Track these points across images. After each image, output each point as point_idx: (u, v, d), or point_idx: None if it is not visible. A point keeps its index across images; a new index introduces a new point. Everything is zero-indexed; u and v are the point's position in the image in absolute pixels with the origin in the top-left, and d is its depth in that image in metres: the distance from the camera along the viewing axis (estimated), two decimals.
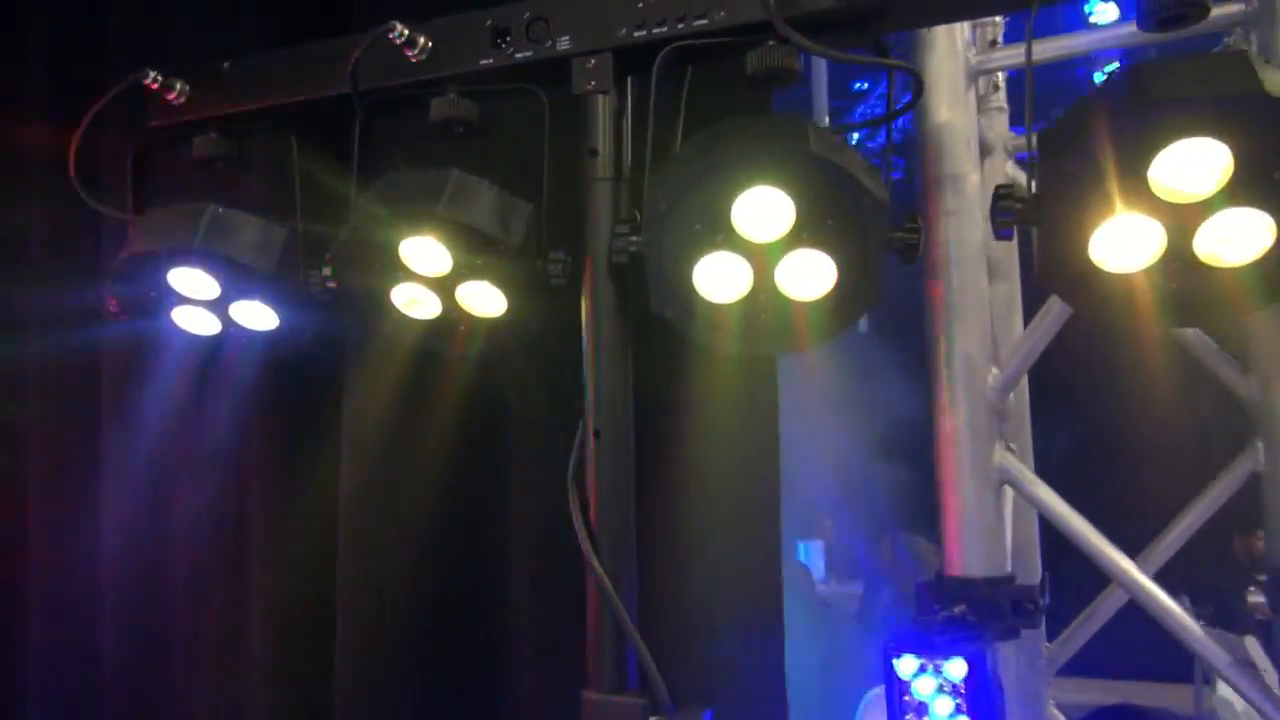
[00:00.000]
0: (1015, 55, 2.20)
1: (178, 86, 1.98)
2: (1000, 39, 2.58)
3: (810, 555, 7.81)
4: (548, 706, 1.99)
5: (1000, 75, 2.57)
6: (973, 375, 1.97)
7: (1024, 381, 2.53)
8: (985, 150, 2.45)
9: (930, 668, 1.63)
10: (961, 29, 2.08)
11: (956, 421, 1.97)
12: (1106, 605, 2.32)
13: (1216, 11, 1.98)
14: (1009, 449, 2.45)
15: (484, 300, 1.81)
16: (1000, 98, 2.59)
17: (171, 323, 2.01)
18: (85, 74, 2.77)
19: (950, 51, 2.05)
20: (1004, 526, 2.00)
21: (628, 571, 1.63)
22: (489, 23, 1.76)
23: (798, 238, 1.53)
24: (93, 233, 2.66)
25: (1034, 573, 2.44)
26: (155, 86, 1.96)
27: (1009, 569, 1.97)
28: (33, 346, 2.73)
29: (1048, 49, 2.22)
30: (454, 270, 1.76)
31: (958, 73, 2.05)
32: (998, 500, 1.99)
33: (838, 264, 1.54)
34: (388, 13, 1.82)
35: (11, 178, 2.82)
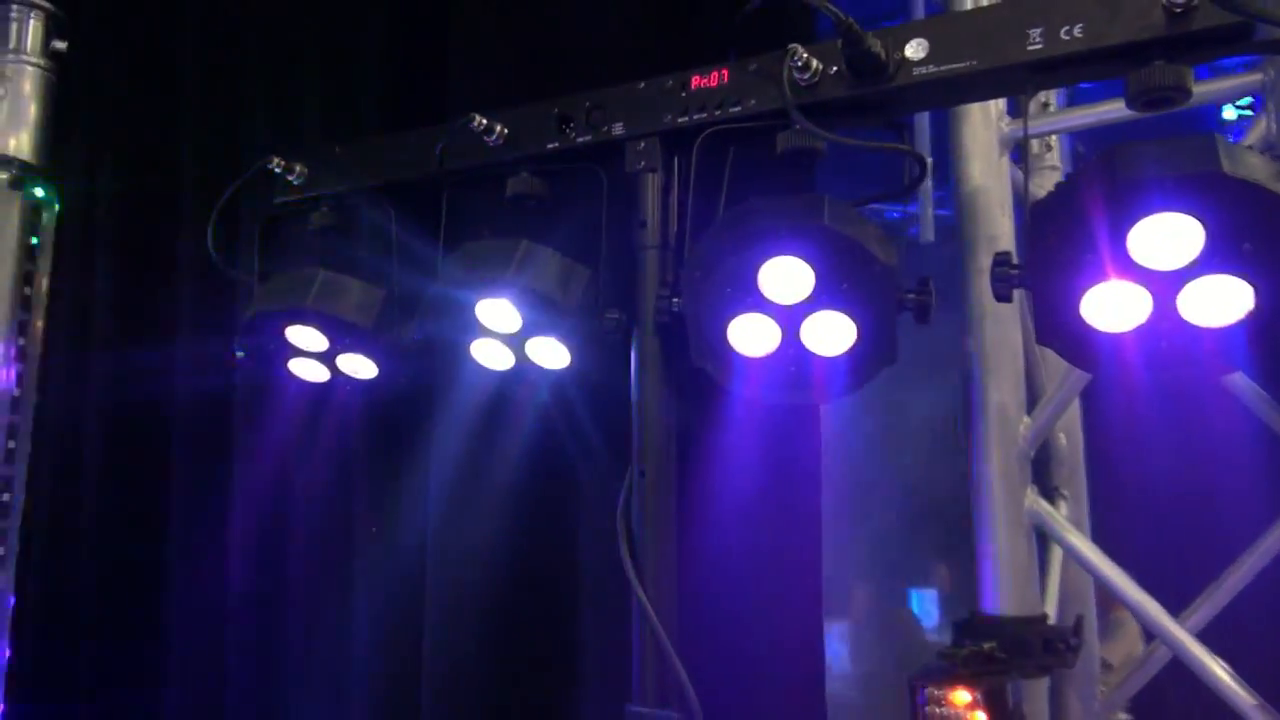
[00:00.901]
0: (1053, 123, 2.32)
1: (297, 169, 2.30)
2: (1055, 102, 2.70)
3: (923, 604, 7.69)
4: (605, 716, 2.18)
5: (1053, 137, 2.68)
6: (1005, 425, 2.08)
7: (1078, 429, 2.59)
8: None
9: (944, 699, 1.75)
10: (996, 100, 2.22)
11: (989, 469, 2.08)
12: (1155, 658, 2.34)
13: (1235, 80, 2.07)
14: (1062, 496, 2.54)
15: (550, 354, 2.05)
16: (1054, 157, 2.69)
17: (288, 371, 2.32)
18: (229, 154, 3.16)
19: (984, 122, 2.19)
20: (1035, 569, 2.08)
21: (669, 597, 1.82)
22: (555, 111, 2.01)
23: (818, 300, 1.71)
24: (231, 295, 3.03)
25: (1088, 613, 2.49)
26: (278, 169, 2.29)
27: (1043, 609, 2.06)
28: (178, 390, 3.13)
29: (1087, 116, 2.32)
30: (523, 327, 2.01)
31: (991, 141, 2.18)
32: (1030, 544, 2.09)
33: (856, 323, 1.71)
34: (475, 103, 2.10)
35: (169, 252, 3.23)
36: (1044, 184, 2.68)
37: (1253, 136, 2.09)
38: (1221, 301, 1.45)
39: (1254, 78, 2.03)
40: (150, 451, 3.15)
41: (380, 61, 2.92)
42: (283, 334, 2.23)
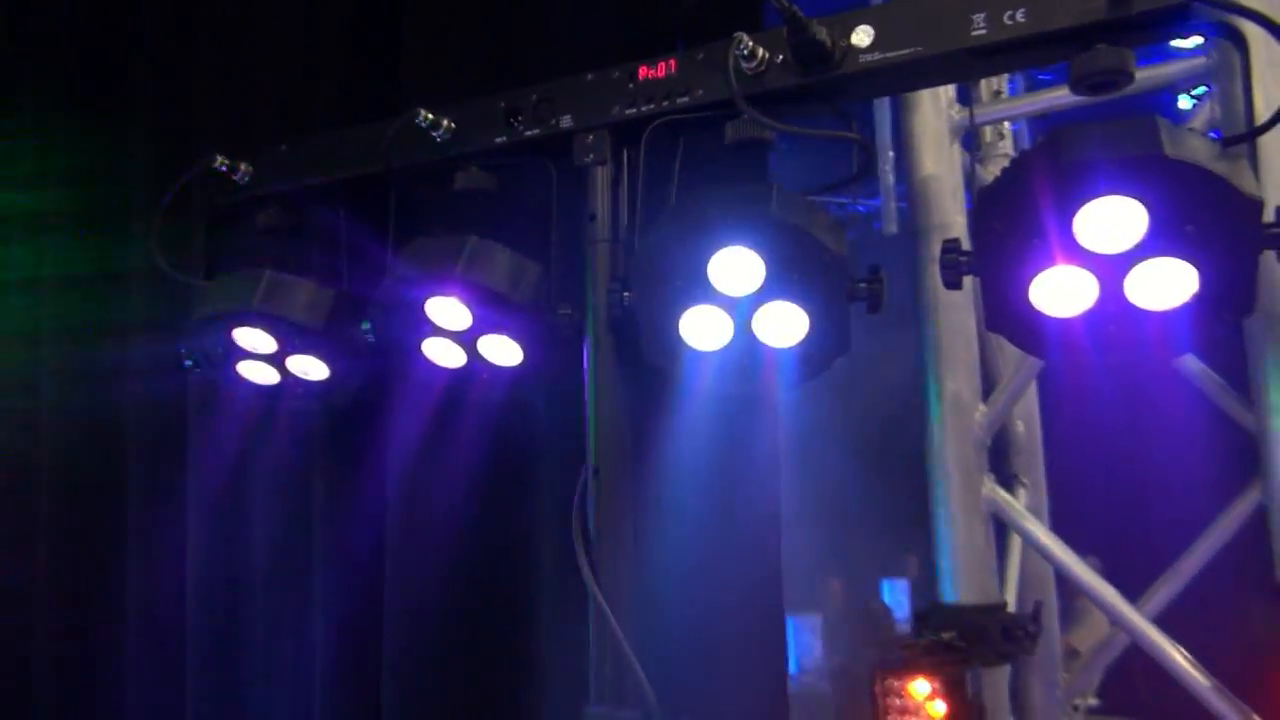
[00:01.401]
0: (1002, 110, 2.32)
1: (242, 168, 2.26)
2: (1005, 89, 2.71)
3: (895, 594, 7.73)
4: (564, 716, 2.16)
5: (1006, 124, 2.69)
6: (960, 413, 2.08)
7: (1035, 417, 2.61)
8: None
9: (902, 689, 1.74)
10: (946, 89, 2.22)
11: (945, 458, 2.08)
12: (1114, 644, 2.35)
13: (1182, 65, 2.08)
14: (1022, 483, 2.55)
15: (502, 351, 2.02)
16: (1007, 145, 2.70)
17: (237, 374, 2.27)
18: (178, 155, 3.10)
19: (934, 110, 2.19)
20: (993, 557, 2.09)
21: (626, 594, 1.79)
22: (502, 105, 1.98)
23: (769, 291, 1.69)
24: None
25: (1048, 600, 2.50)
26: (223, 168, 2.24)
27: (1002, 597, 2.06)
28: (128, 393, 3.06)
29: (1038, 103, 2.33)
30: (473, 325, 1.98)
31: (941, 130, 2.18)
32: (987, 532, 2.09)
33: (808, 313, 1.69)
34: (429, 99, 2.06)
35: (118, 250, 3.15)
36: (997, 172, 2.69)
37: (1199, 120, 2.10)
38: (1167, 284, 1.45)
39: (1199, 61, 2.04)
40: (101, 458, 3.08)
41: (332, 59, 2.87)
42: (230, 337, 2.18)
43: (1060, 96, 2.20)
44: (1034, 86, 2.77)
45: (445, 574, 2.32)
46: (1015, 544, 2.39)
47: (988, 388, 2.29)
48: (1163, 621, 2.25)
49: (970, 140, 2.27)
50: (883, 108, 3.13)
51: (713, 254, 1.68)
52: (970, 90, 2.37)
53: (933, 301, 2.13)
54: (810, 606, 7.41)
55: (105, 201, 3.08)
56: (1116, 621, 2.21)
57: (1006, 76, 2.66)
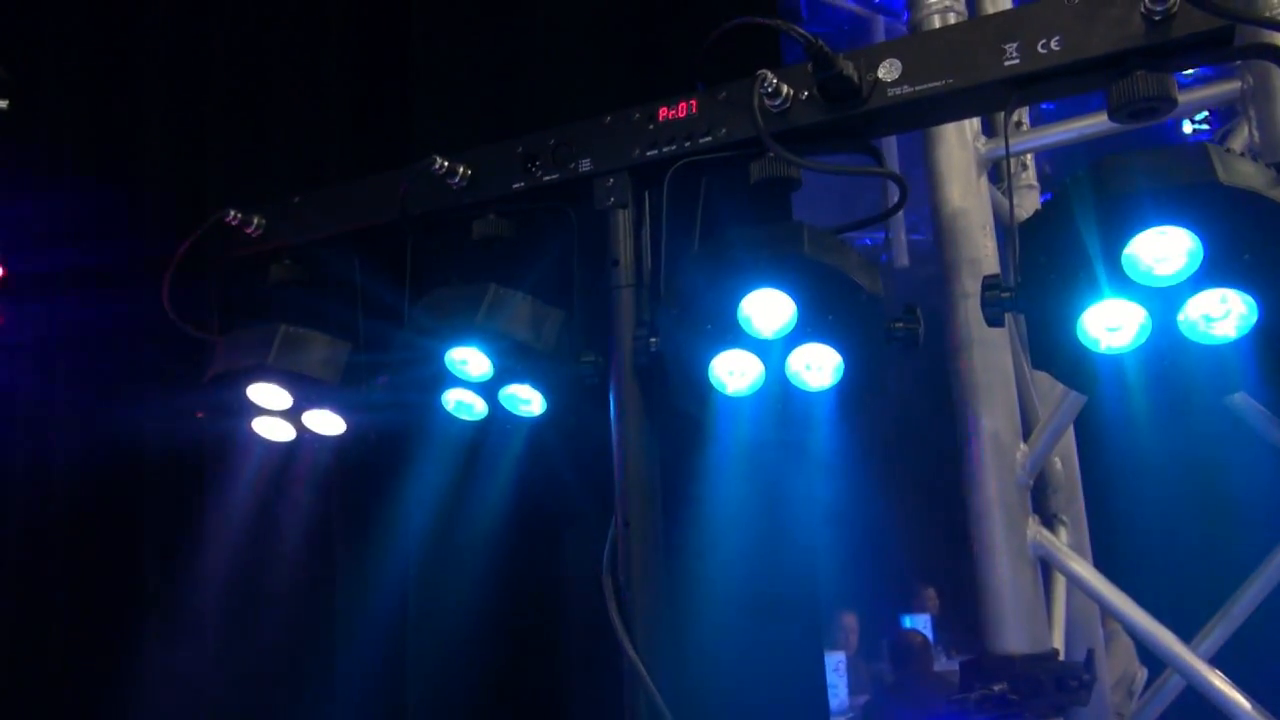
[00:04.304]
0: (1032, 139, 2.27)
1: (255, 221, 2.22)
2: (1026, 120, 2.67)
3: (916, 629, 7.62)
4: None
5: (1029, 155, 2.64)
6: (1000, 453, 2.01)
7: (1074, 455, 2.53)
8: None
9: None
10: (971, 120, 2.18)
11: (986, 499, 2.00)
12: (1170, 686, 2.26)
13: (1218, 89, 2.03)
14: (1062, 522, 2.46)
15: (525, 401, 1.96)
16: (1030, 176, 2.66)
17: (253, 431, 2.22)
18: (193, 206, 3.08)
19: (960, 143, 2.14)
20: (1043, 602, 2.00)
21: (660, 651, 1.71)
22: (519, 150, 1.94)
23: (802, 333, 1.63)
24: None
25: (1097, 645, 2.40)
26: (235, 222, 2.21)
27: (1053, 644, 1.97)
28: (145, 453, 3.01)
29: (1069, 132, 2.27)
30: (495, 375, 1.92)
31: (968, 162, 2.13)
32: (1035, 576, 2.01)
33: (842, 355, 1.63)
34: (440, 146, 2.02)
35: (131, 307, 3.12)
36: (1022, 203, 2.64)
37: (1235, 144, 2.05)
38: (1224, 316, 1.38)
39: (1232, 86, 1.99)
40: (118, 516, 3.02)
41: (343, 108, 2.86)
42: (244, 393, 2.13)
43: (1089, 125, 2.15)
44: (1041, 118, 2.74)
45: (472, 634, 2.24)
46: (1059, 585, 2.30)
47: (1022, 427, 2.22)
48: (1217, 662, 2.16)
49: (996, 173, 2.21)
50: (890, 139, 3.09)
51: (743, 296, 1.63)
52: (993, 121, 2.32)
53: (966, 338, 2.06)
54: (830, 644, 7.29)
55: (116, 257, 3.05)
56: (1171, 664, 2.11)
57: (1027, 110, 2.63)
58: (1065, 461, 2.49)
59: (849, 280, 1.56)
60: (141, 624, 2.97)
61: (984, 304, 1.51)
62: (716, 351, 1.68)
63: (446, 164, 1.96)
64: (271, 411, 2.17)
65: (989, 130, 2.23)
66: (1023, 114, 2.61)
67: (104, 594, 3.06)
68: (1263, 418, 2.13)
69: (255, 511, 2.59)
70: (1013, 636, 1.93)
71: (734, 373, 1.69)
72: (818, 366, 1.65)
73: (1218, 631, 2.18)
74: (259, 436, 2.22)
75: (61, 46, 3.40)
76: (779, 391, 1.69)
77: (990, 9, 2.50)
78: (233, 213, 2.20)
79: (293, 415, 2.18)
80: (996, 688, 1.84)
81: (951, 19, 2.12)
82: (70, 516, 3.12)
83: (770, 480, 1.97)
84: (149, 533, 3.02)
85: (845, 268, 1.57)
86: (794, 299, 1.61)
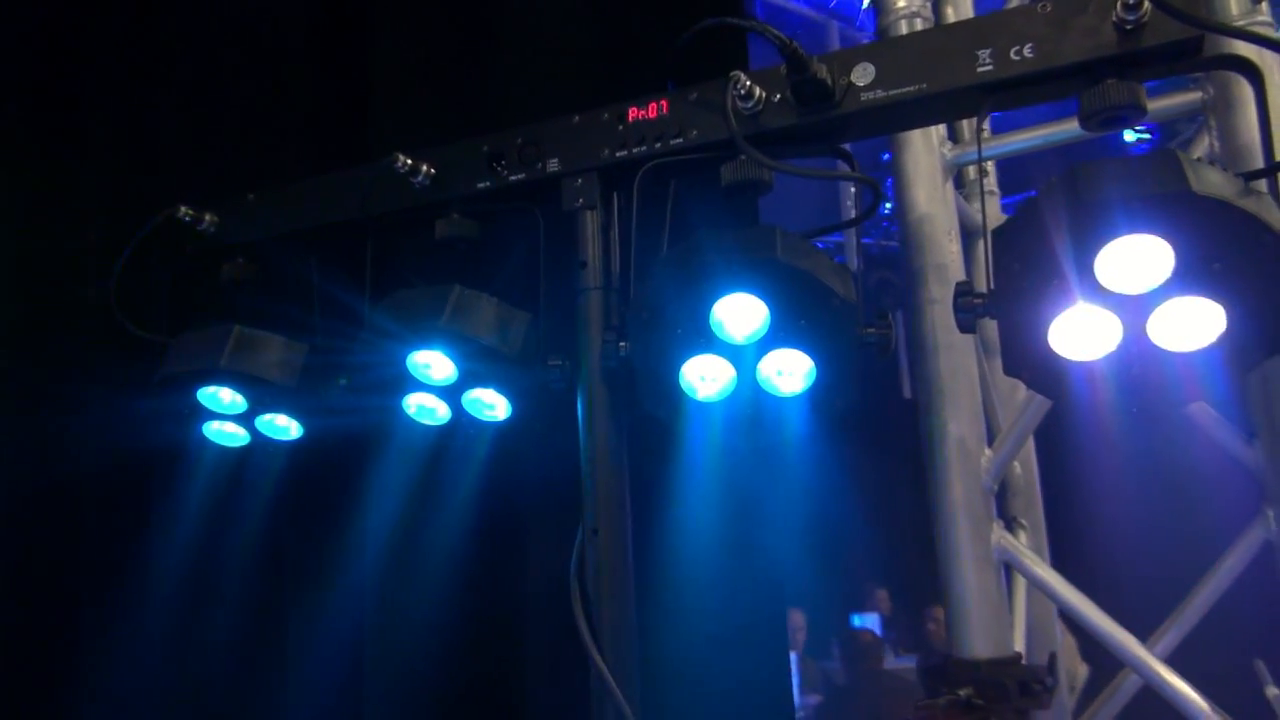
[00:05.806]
0: (999, 146, 2.29)
1: (207, 218, 2.14)
2: (988, 127, 2.69)
3: (867, 628, 7.71)
4: None
5: (990, 162, 2.66)
6: (966, 458, 2.01)
7: (1032, 459, 2.55)
8: (982, 234, 2.54)
9: None
10: (937, 126, 2.18)
11: (952, 503, 2.00)
12: (1126, 686, 2.28)
13: (1179, 98, 2.07)
14: (1021, 525, 2.48)
15: (489, 406, 1.92)
16: (991, 182, 2.68)
17: (204, 436, 2.14)
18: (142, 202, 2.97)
19: (926, 148, 2.15)
20: (1006, 606, 2.01)
21: (629, 664, 1.69)
22: (485, 148, 1.90)
23: (774, 337, 1.62)
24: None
25: (1057, 648, 2.43)
26: (186, 219, 2.13)
27: (1016, 648, 1.98)
28: (91, 453, 2.90)
29: (1034, 139, 2.30)
30: (459, 379, 1.88)
31: (935, 167, 2.14)
32: (999, 581, 2.02)
33: (814, 360, 1.62)
34: (401, 144, 1.97)
35: (75, 305, 3.01)
36: (979, 209, 2.66)
37: (1196, 153, 2.08)
38: (1193, 324, 1.39)
39: (1194, 95, 2.03)
40: (58, 528, 2.90)
41: (301, 104, 2.78)
42: (194, 397, 2.05)
43: (1055, 132, 2.17)
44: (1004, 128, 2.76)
45: (433, 646, 2.19)
46: (1020, 589, 2.32)
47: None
48: (1173, 662, 2.19)
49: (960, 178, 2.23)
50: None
51: (715, 301, 1.61)
52: (957, 126, 2.34)
53: (933, 343, 2.07)
54: None
55: (61, 254, 2.94)
56: (1130, 664, 2.13)
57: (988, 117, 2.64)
58: (1024, 465, 2.51)
59: (822, 285, 1.55)
60: (79, 638, 2.87)
61: (956, 310, 1.51)
62: (687, 356, 1.66)
63: (410, 162, 1.91)
64: (224, 415, 2.10)
65: (955, 136, 2.24)
66: (986, 120, 2.63)
67: (40, 610, 2.94)
68: (1217, 423, 2.17)
69: (205, 521, 2.50)
70: (978, 641, 1.94)
71: (705, 378, 1.67)
72: (789, 371, 1.64)
73: (1172, 633, 2.21)
74: (210, 441, 2.14)
75: (6, 39, 3.27)
76: (750, 397, 1.68)
77: (953, 16, 2.52)
78: (183, 209, 2.13)
79: (246, 419, 2.11)
80: (962, 692, 1.84)
81: (919, 25, 2.13)
82: (4, 526, 3.00)
83: (740, 486, 1.96)
84: (90, 543, 2.91)
85: (818, 273, 1.56)
86: (767, 304, 1.59)
